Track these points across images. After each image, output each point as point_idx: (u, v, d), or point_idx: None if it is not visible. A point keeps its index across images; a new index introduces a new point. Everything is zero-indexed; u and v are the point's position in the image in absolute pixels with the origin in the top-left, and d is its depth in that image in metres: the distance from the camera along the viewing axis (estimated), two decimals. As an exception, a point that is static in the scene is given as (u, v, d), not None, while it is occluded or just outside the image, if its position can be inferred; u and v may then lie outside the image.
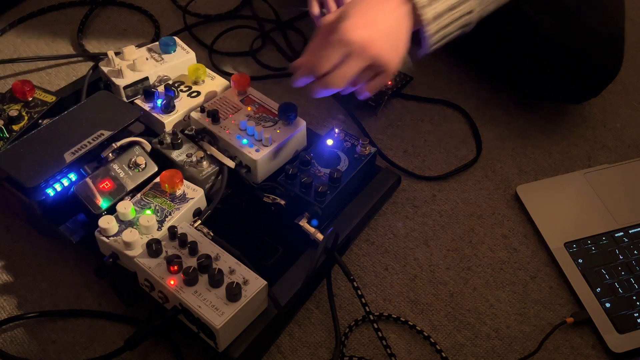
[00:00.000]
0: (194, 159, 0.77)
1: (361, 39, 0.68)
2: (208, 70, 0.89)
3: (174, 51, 0.90)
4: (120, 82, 0.84)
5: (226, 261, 0.66)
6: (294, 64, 0.74)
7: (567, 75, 0.91)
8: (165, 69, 0.88)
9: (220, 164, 0.78)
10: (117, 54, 0.87)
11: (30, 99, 0.82)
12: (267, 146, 0.79)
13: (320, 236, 0.74)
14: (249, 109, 0.84)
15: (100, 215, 0.70)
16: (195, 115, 0.83)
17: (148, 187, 0.74)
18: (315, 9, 0.86)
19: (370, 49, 0.68)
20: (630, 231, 0.82)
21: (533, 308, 0.76)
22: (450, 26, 0.72)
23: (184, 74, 0.89)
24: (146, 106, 0.83)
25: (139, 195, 0.73)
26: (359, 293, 0.72)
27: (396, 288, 0.78)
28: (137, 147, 0.77)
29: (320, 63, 0.70)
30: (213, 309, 0.62)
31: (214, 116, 0.81)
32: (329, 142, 0.81)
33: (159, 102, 0.82)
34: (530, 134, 0.96)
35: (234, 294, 0.62)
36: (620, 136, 0.96)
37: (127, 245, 0.68)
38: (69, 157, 0.75)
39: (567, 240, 0.81)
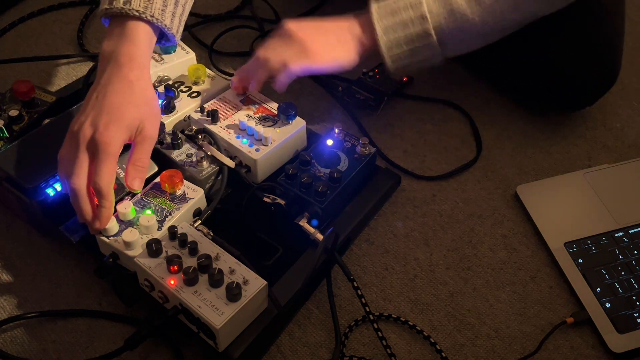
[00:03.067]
0: (194, 159, 0.77)
1: None
2: (208, 71, 0.89)
3: (174, 51, 0.90)
4: (120, 82, 0.84)
5: (226, 261, 0.66)
6: None
7: (563, 85, 0.91)
8: (165, 69, 0.88)
9: (220, 164, 0.78)
10: (117, 54, 0.87)
11: (31, 99, 0.82)
12: (267, 146, 0.79)
13: (320, 236, 0.74)
14: (249, 109, 0.84)
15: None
16: (195, 115, 0.83)
17: (148, 187, 0.74)
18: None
19: None
20: (630, 231, 0.82)
21: (533, 308, 0.76)
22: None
23: (184, 74, 0.89)
24: (146, 106, 0.83)
25: (139, 195, 0.73)
26: (359, 293, 0.72)
27: (396, 288, 0.78)
28: (137, 147, 0.77)
29: None
30: (213, 309, 0.62)
31: (214, 116, 0.81)
32: (329, 142, 0.81)
33: (159, 102, 0.82)
34: (530, 134, 0.96)
35: (234, 294, 0.62)
36: (620, 136, 0.96)
37: (127, 245, 0.68)
38: (69, 157, 0.75)
39: (567, 240, 0.81)
